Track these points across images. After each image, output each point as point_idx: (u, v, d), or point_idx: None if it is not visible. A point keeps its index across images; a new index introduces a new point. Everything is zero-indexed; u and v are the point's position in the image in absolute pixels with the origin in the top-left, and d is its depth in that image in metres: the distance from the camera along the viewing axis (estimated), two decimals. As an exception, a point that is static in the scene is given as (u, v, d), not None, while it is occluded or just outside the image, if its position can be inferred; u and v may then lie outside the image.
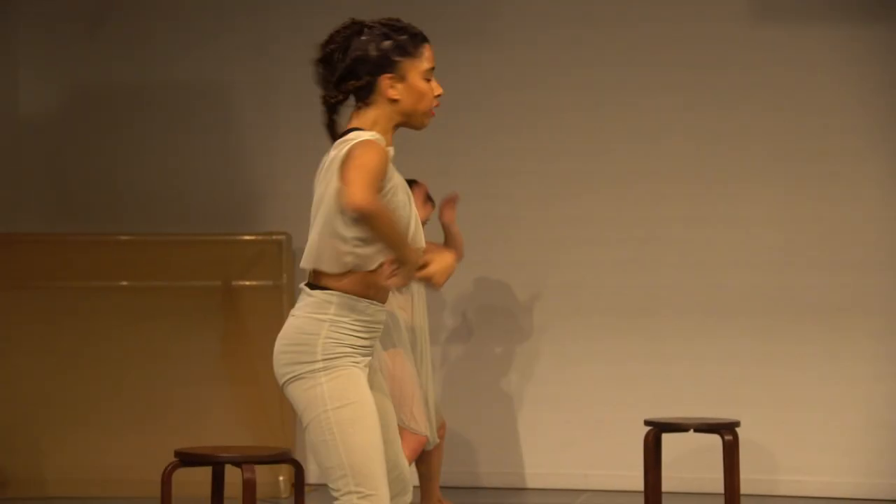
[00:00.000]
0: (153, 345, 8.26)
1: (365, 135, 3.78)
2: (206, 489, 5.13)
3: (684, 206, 8.21)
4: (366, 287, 3.80)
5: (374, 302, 3.83)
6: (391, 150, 3.85)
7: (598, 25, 8.40)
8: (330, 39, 3.88)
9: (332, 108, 3.89)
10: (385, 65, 3.83)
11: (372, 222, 3.62)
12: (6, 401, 8.12)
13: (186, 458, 4.96)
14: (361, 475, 3.71)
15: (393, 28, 3.88)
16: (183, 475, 5.19)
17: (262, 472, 5.49)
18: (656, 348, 8.25)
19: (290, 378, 3.79)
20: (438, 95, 3.91)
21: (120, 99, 8.83)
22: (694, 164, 8.26)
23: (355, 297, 3.79)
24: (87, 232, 8.18)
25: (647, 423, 6.30)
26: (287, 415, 8.16)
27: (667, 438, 6.36)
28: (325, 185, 3.79)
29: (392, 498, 3.92)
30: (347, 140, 3.78)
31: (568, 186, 8.38)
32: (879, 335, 8.02)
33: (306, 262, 3.84)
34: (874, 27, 8.07)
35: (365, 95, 3.86)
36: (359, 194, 3.60)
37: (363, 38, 3.85)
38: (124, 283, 8.37)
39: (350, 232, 3.75)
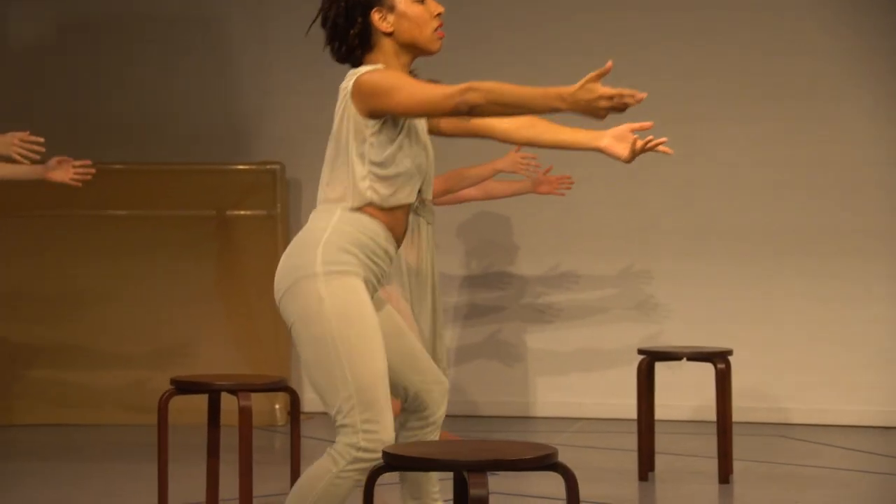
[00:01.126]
0: (147, 274, 8.26)
1: (364, 68, 3.71)
2: (203, 417, 5.14)
3: (679, 126, 8.19)
4: (381, 216, 3.70)
5: (385, 228, 3.72)
6: None
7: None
8: (322, 3, 3.81)
9: (344, 61, 3.82)
10: (370, 1, 3.74)
11: (485, 99, 3.50)
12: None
13: (182, 386, 4.97)
14: (367, 400, 3.57)
15: None
16: (179, 403, 5.21)
17: (258, 400, 5.52)
18: (651, 274, 8.27)
19: (287, 288, 3.65)
20: (439, 14, 3.79)
21: (112, 28, 8.78)
22: (685, 93, 8.26)
23: (364, 213, 3.68)
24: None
25: (640, 351, 6.32)
26: (282, 343, 8.18)
27: (660, 367, 6.40)
28: (337, 119, 3.72)
29: (432, 382, 3.91)
30: (353, 73, 3.71)
31: (562, 119, 8.34)
32: (871, 257, 8.04)
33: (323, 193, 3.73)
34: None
35: (367, 39, 3.76)
36: (436, 94, 3.53)
37: None
38: (117, 212, 8.36)
39: (365, 166, 3.66)
